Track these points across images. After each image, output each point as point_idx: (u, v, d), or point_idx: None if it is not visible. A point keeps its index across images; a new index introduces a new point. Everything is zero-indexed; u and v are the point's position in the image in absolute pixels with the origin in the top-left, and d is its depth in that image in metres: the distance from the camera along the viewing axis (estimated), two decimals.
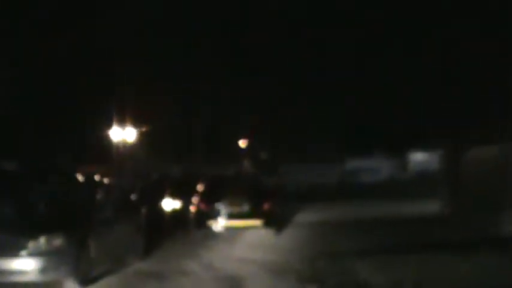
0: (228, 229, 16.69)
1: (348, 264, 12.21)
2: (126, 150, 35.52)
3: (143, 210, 14.68)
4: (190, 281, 11.51)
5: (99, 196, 12.65)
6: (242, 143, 53.43)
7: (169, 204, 20.78)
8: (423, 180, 41.07)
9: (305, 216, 22.24)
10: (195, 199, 17.33)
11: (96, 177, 14.63)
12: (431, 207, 22.35)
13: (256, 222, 16.40)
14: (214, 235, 16.95)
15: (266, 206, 16.56)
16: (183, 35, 32.05)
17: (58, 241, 10.46)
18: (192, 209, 17.21)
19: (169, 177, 26.60)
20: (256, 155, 52.77)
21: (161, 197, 21.18)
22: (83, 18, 29.95)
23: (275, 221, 16.98)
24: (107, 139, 35.55)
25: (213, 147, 42.78)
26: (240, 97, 37.55)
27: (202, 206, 16.80)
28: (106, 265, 11.84)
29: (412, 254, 12.78)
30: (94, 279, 11.22)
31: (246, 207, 16.52)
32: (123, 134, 35.55)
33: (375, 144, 49.03)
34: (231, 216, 16.51)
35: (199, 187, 17.83)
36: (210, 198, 16.87)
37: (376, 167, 46.82)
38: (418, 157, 48.96)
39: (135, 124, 35.99)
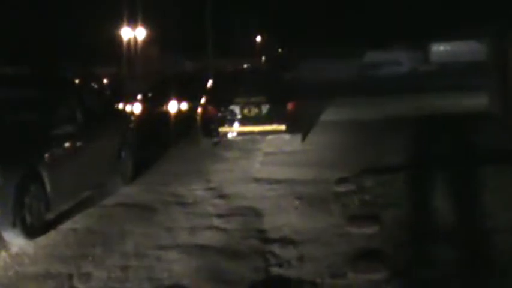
0: (244, 137, 12.56)
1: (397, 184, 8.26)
2: (136, 49, 31.20)
3: (134, 118, 10.59)
4: (187, 216, 7.53)
5: (64, 106, 8.33)
6: (258, 38, 48.56)
7: (175, 106, 16.67)
8: (447, 73, 36.65)
9: (331, 116, 17.94)
10: (203, 100, 12.97)
11: (79, 81, 10.41)
12: (469, 102, 18.17)
13: (278, 127, 12.21)
14: (226, 145, 12.88)
15: (290, 107, 12.31)
16: None
17: None
18: (200, 112, 12.83)
19: (178, 75, 22.51)
20: (273, 50, 47.90)
21: (168, 99, 17.15)
22: None
23: (301, 125, 12.83)
24: (117, 39, 31.58)
25: (227, 42, 37.99)
26: None
27: (211, 109, 12.54)
28: (73, 199, 7.90)
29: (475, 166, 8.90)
30: (54, 221, 7.33)
31: (265, 109, 12.30)
32: (133, 33, 31.57)
33: (394, 38, 44.19)
34: (247, 120, 12.30)
35: (209, 85, 13.52)
36: (221, 98, 12.57)
37: (397, 60, 41.67)
38: (440, 48, 44.08)
39: (146, 23, 31.92)
